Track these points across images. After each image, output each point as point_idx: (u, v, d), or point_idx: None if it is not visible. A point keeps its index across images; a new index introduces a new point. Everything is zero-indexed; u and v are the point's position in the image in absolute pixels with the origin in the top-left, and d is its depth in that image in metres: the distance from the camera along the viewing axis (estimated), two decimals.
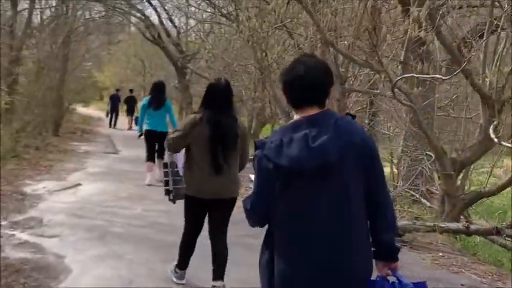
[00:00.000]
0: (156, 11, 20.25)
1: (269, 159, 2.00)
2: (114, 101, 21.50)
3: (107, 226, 5.93)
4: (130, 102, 21.38)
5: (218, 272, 3.91)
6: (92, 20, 20.51)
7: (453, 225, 5.90)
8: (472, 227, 5.86)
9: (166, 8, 20.10)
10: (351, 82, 8.73)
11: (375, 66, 6.35)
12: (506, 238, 5.74)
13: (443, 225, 5.85)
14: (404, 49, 6.49)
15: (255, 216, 2.15)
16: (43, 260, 4.69)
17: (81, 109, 25.78)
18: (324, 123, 1.99)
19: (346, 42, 7.73)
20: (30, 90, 13.14)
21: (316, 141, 1.94)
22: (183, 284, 4.19)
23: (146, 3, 20.20)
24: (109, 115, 21.38)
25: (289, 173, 1.98)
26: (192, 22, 19.13)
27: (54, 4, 15.82)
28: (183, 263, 4.15)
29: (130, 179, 8.97)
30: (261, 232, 2.24)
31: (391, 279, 2.11)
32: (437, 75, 5.78)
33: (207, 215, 3.98)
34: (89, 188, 8.13)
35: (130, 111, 21.30)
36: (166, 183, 4.06)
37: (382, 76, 5.81)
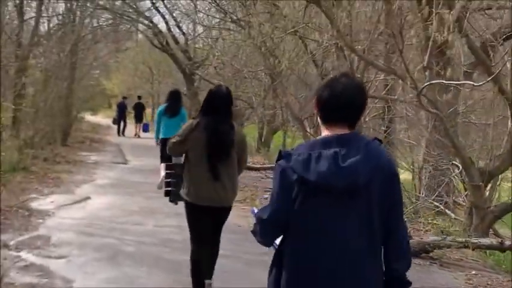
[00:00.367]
0: (163, 18, 20.06)
1: (295, 171, 1.99)
2: (121, 108, 21.36)
3: (118, 245, 5.66)
4: (139, 108, 21.28)
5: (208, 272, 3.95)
6: (100, 28, 20.39)
7: (486, 241, 5.57)
8: (507, 242, 5.50)
9: (174, 14, 19.91)
10: (367, 88, 8.41)
11: (398, 72, 6.00)
12: None
13: (475, 240, 5.50)
14: (428, 54, 6.15)
15: (268, 227, 2.11)
16: (50, 285, 4.42)
17: (89, 117, 25.67)
18: (355, 144, 2.01)
19: (360, 46, 7.42)
20: (38, 99, 12.93)
21: (346, 161, 1.96)
22: None
23: (154, 10, 20.01)
24: (116, 123, 21.25)
25: (315, 189, 1.98)
26: (200, 29, 18.88)
27: (61, 12, 15.59)
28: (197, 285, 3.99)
29: (140, 191, 8.71)
30: None
31: None
32: (468, 81, 5.42)
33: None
34: (98, 202, 7.87)
35: (138, 118, 21.17)
36: (168, 184, 4.12)
37: (408, 82, 5.45)
